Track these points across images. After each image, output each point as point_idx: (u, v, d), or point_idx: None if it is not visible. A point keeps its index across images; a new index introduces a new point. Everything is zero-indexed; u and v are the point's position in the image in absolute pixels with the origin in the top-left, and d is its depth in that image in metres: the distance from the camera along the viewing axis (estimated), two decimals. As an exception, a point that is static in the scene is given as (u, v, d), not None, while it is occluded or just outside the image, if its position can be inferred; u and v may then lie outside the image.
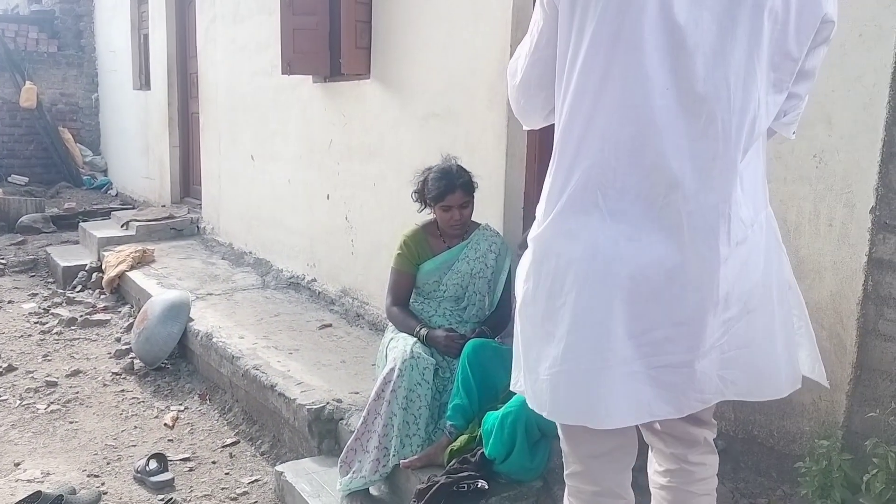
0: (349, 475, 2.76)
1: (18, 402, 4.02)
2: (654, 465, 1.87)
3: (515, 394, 2.66)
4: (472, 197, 3.06)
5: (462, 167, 3.07)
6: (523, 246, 2.61)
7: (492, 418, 2.54)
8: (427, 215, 3.17)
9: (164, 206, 7.89)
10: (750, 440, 2.60)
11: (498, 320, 3.12)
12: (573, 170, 1.49)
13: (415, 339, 2.92)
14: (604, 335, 1.47)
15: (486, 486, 2.48)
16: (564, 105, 1.50)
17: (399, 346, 2.89)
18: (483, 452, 2.55)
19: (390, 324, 3.16)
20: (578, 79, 1.46)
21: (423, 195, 3.08)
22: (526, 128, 1.80)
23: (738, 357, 1.55)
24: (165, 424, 3.81)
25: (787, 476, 2.44)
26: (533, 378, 1.57)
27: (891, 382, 2.27)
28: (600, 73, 1.43)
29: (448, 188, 2.99)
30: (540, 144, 3.30)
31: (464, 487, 2.47)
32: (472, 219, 3.14)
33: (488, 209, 3.35)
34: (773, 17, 1.41)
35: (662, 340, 1.47)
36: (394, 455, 2.72)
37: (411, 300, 3.19)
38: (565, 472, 1.78)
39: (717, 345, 1.51)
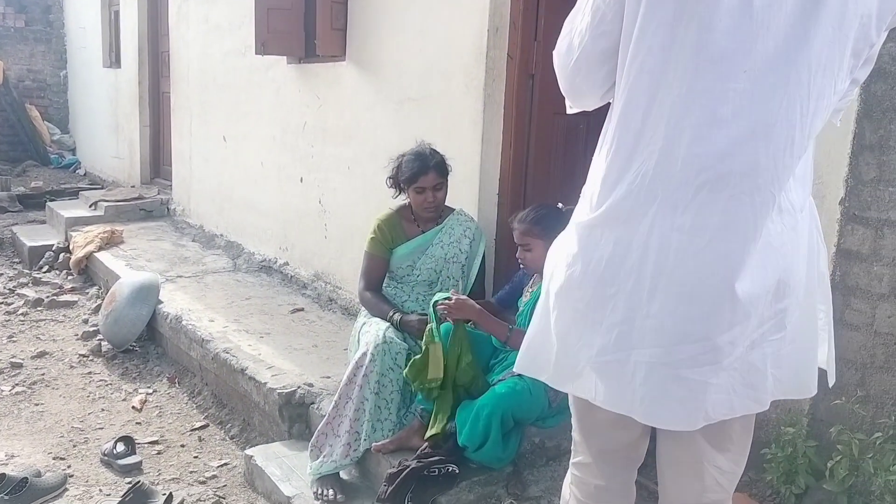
0: (320, 459, 2.75)
1: (-18, 383, 3.96)
2: None
3: (491, 379, 2.69)
4: (446, 179, 3.05)
5: (435, 149, 3.06)
6: (522, 220, 2.61)
7: (467, 408, 2.53)
8: (402, 200, 3.15)
9: (133, 186, 7.77)
10: (717, 427, 2.63)
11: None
12: (634, 155, 1.41)
13: (388, 323, 2.91)
14: (657, 330, 1.40)
15: (457, 471, 2.49)
16: (626, 86, 1.41)
17: (372, 330, 2.88)
18: (456, 438, 2.55)
19: (363, 308, 3.14)
20: (644, 59, 1.37)
21: (397, 179, 3.07)
22: (575, 109, 1.66)
23: (790, 353, 1.48)
24: (133, 407, 3.77)
25: (753, 462, 2.47)
26: (570, 363, 1.52)
27: (856, 371, 2.31)
28: (668, 53, 1.35)
29: (421, 169, 2.98)
30: (516, 130, 3.29)
31: (434, 472, 2.48)
32: (447, 204, 3.13)
33: (463, 194, 3.34)
34: (864, 4, 1.35)
35: (725, 345, 1.40)
36: (365, 439, 2.72)
37: (384, 285, 3.17)
38: (572, 460, 1.76)
39: (770, 338, 1.44)
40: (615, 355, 1.44)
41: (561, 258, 1.55)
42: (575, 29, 1.50)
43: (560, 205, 2.70)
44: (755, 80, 1.33)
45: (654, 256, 1.39)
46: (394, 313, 2.94)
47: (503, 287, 3.05)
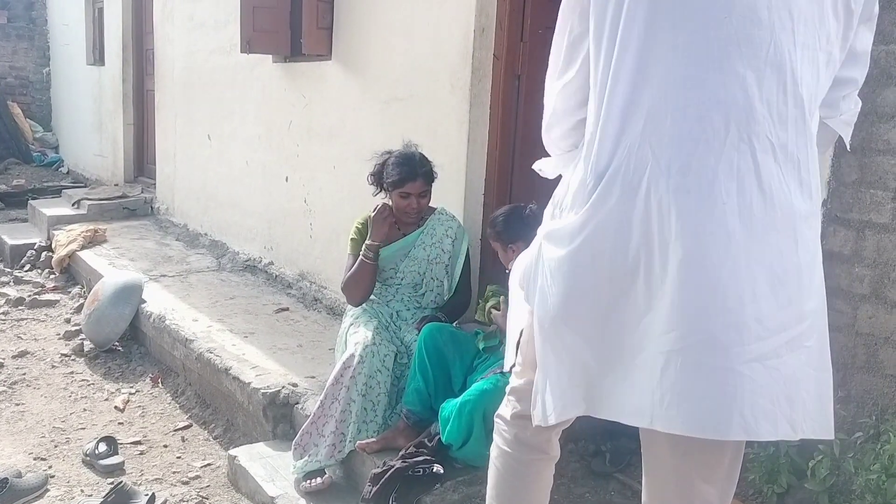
0: (304, 458, 2.74)
1: (-38, 383, 3.91)
2: None
3: (474, 379, 2.69)
4: (431, 187, 3.04)
5: (424, 156, 3.04)
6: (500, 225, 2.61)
7: (450, 405, 2.54)
8: (381, 199, 3.14)
9: (117, 184, 7.71)
10: (701, 427, 2.64)
11: (455, 305, 3.12)
12: (617, 145, 1.35)
13: (375, 325, 2.89)
14: (670, 311, 1.29)
15: (442, 471, 2.49)
16: (604, 79, 1.37)
17: (360, 332, 2.87)
18: (440, 438, 2.55)
19: (349, 309, 3.13)
20: (620, 38, 1.34)
21: (381, 179, 3.05)
22: (557, 154, 1.66)
23: (812, 377, 1.38)
24: (116, 407, 3.74)
25: (736, 462, 2.49)
26: (572, 387, 1.44)
27: (837, 371, 2.31)
28: (653, 18, 1.31)
29: (409, 175, 2.96)
30: (502, 130, 3.29)
31: (419, 472, 2.47)
32: (430, 204, 3.12)
33: (449, 195, 3.34)
34: None
35: (752, 322, 1.28)
36: (350, 441, 2.71)
37: (369, 284, 3.16)
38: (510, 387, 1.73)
39: (805, 343, 1.35)
40: (620, 362, 1.35)
41: (541, 279, 1.48)
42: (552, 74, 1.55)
43: (533, 203, 2.66)
44: (739, 27, 1.28)
45: (656, 228, 1.30)
46: (365, 248, 2.97)
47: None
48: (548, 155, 1.71)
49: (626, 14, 1.33)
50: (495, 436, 1.76)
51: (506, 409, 1.75)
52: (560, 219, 1.46)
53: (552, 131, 1.62)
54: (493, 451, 1.76)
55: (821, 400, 1.38)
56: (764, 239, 1.29)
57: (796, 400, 1.32)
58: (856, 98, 1.57)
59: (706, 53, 1.29)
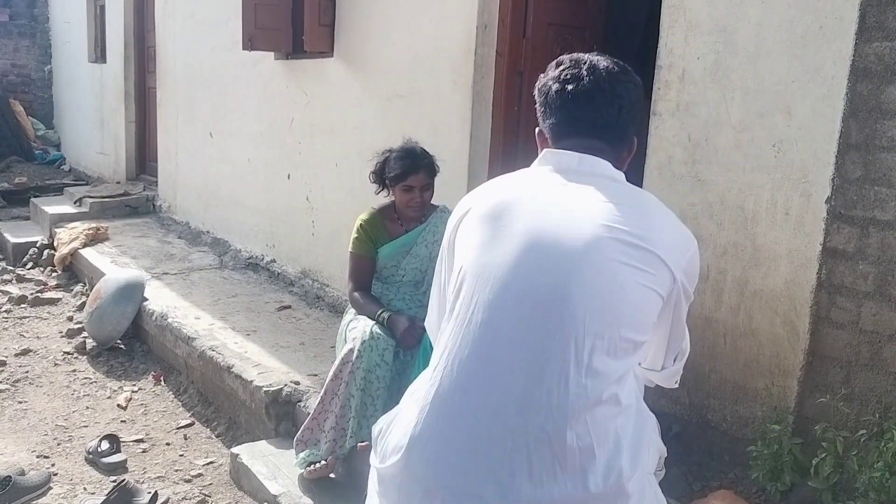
0: (307, 450, 2.75)
1: (-36, 381, 3.91)
2: None
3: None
4: (433, 180, 3.03)
5: (425, 149, 3.04)
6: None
7: None
8: (384, 198, 3.13)
9: (118, 182, 7.72)
10: (703, 424, 2.64)
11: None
12: (414, 421, 1.41)
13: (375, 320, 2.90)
14: None
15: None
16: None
17: (359, 326, 2.86)
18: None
19: (349, 306, 3.13)
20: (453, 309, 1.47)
21: (383, 176, 3.04)
22: None
23: None
24: (118, 405, 3.74)
25: (739, 459, 2.49)
26: None
27: (840, 369, 2.32)
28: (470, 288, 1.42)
29: (412, 168, 2.95)
30: (504, 128, 3.29)
31: (421, 470, 2.47)
32: (433, 201, 3.11)
33: (451, 192, 3.33)
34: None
35: None
36: (351, 436, 2.70)
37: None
38: None
39: None
40: None
41: None
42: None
43: None
44: (531, 317, 1.34)
45: None
46: (383, 311, 2.93)
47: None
48: None
49: (460, 302, 1.42)
50: None
51: None
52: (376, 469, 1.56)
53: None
54: None
55: None
56: None
57: None
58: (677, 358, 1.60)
59: (497, 338, 1.35)
